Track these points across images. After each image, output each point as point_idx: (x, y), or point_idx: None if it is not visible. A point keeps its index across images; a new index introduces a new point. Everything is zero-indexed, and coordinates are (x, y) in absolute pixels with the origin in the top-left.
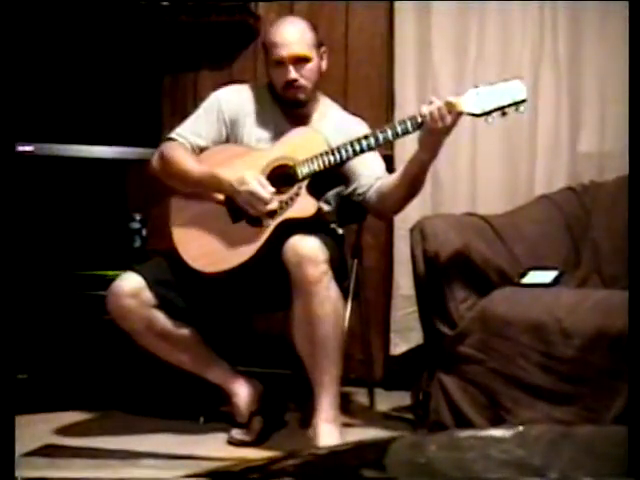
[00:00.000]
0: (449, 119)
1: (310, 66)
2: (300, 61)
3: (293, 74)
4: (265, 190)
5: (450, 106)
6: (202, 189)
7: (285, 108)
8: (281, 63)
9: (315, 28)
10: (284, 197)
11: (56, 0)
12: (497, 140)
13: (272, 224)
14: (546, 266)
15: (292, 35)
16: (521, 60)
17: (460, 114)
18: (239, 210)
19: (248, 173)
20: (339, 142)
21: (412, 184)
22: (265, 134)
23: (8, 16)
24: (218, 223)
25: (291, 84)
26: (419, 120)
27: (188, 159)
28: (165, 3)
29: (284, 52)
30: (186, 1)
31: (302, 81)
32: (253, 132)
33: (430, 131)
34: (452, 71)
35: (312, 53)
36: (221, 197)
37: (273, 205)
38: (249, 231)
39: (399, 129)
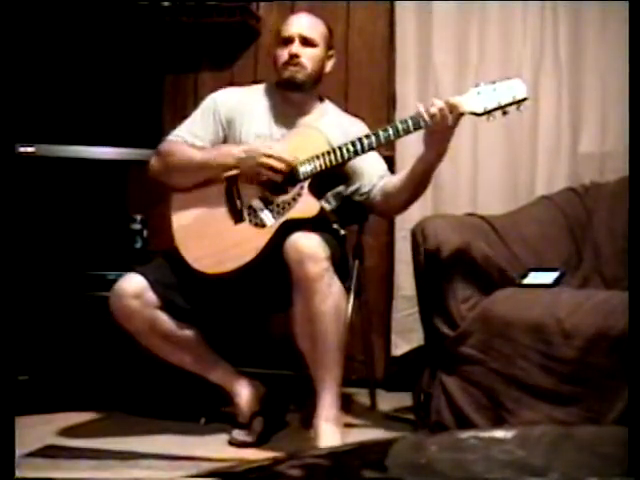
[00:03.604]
0: (451, 119)
1: (315, 52)
2: (307, 43)
3: (297, 47)
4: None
5: (451, 107)
6: (207, 171)
7: (283, 103)
8: (288, 41)
9: (330, 31)
10: (286, 197)
11: (57, 1)
12: (498, 141)
13: (275, 224)
14: (547, 267)
15: (305, 19)
16: (522, 60)
17: (462, 115)
18: (241, 210)
19: (255, 144)
20: (338, 140)
21: (418, 184)
22: (264, 130)
23: (9, 16)
24: (220, 224)
25: (292, 57)
26: (420, 120)
27: (188, 148)
28: (166, 4)
29: (294, 29)
30: (187, 2)
31: (303, 60)
32: (252, 130)
33: (432, 132)
34: (453, 71)
35: (320, 42)
36: (221, 199)
37: (283, 164)
38: (251, 232)
39: (400, 128)
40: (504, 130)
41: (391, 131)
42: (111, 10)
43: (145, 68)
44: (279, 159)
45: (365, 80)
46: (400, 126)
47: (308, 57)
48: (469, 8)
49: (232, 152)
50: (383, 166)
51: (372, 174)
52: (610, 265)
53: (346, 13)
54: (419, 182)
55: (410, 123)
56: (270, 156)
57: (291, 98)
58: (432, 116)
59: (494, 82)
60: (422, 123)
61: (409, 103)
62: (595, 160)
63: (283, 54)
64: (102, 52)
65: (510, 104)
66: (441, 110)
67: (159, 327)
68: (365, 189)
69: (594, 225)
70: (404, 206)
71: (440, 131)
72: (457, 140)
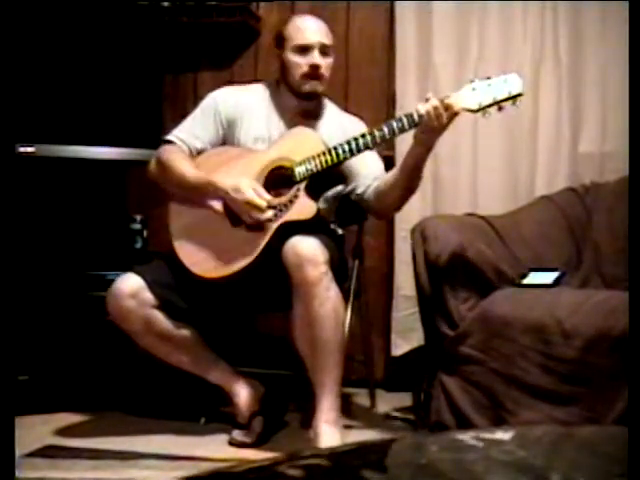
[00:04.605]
0: (445, 118)
1: (330, 60)
2: (324, 52)
3: (318, 59)
4: (261, 199)
5: (446, 106)
6: (198, 195)
7: (284, 104)
8: (306, 49)
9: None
10: (283, 199)
11: (57, 1)
12: (498, 141)
13: (272, 227)
14: (547, 267)
15: (320, 26)
16: (522, 60)
17: (456, 114)
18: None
19: (244, 181)
20: (337, 139)
21: (409, 178)
22: (263, 132)
23: (9, 17)
24: (217, 227)
25: (315, 69)
26: (415, 117)
27: (185, 164)
28: (166, 4)
29: (313, 37)
30: (187, 2)
31: (323, 70)
32: (250, 131)
33: (426, 129)
34: (453, 71)
35: (332, 49)
36: (218, 206)
37: (268, 214)
38: (249, 235)
39: (395, 127)
40: (504, 130)
41: (386, 130)
42: (111, 10)
43: (145, 68)
44: (258, 208)
45: (365, 80)
46: (395, 124)
47: (326, 67)
48: (469, 8)
49: (219, 187)
50: (380, 167)
51: (367, 175)
52: (610, 265)
53: (346, 13)
54: (411, 177)
55: (405, 121)
56: (249, 203)
57: (293, 100)
58: (427, 114)
59: (489, 77)
60: (417, 121)
61: (409, 103)
62: (595, 160)
63: (302, 65)
64: (102, 52)
65: (505, 99)
66: (435, 109)
67: (156, 327)
68: (360, 190)
69: (594, 225)
70: (398, 204)
71: (434, 129)
72: (457, 140)
